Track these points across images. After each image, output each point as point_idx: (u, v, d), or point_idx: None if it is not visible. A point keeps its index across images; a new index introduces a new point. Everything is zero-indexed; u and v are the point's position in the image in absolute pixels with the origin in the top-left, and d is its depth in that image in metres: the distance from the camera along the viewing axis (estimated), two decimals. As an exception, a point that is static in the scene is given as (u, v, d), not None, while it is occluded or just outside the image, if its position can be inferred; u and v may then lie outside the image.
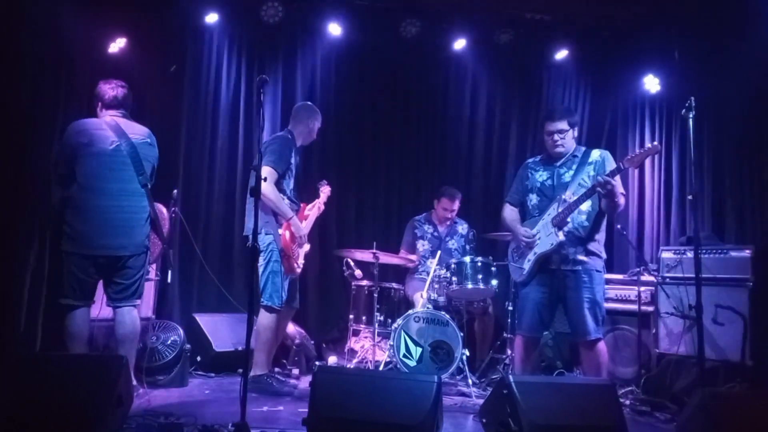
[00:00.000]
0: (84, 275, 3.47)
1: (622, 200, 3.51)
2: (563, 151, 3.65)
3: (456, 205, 5.19)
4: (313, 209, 4.38)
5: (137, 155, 3.57)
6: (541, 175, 3.70)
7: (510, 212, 3.84)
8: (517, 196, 3.83)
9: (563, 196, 3.53)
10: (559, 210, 3.52)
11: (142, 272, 3.63)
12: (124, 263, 3.54)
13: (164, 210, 4.15)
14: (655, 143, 3.38)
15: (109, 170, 3.52)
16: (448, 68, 5.88)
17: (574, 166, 3.62)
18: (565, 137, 3.63)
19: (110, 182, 3.51)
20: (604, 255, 3.63)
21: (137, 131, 3.67)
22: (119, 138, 3.55)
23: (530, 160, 3.88)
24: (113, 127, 3.59)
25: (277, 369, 4.35)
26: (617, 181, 3.45)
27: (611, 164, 3.56)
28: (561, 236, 3.49)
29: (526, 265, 3.63)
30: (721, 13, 4.81)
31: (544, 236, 3.56)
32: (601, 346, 3.53)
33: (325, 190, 4.52)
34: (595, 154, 3.65)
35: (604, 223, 3.64)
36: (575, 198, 3.49)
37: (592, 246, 3.56)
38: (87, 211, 3.48)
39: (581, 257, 3.52)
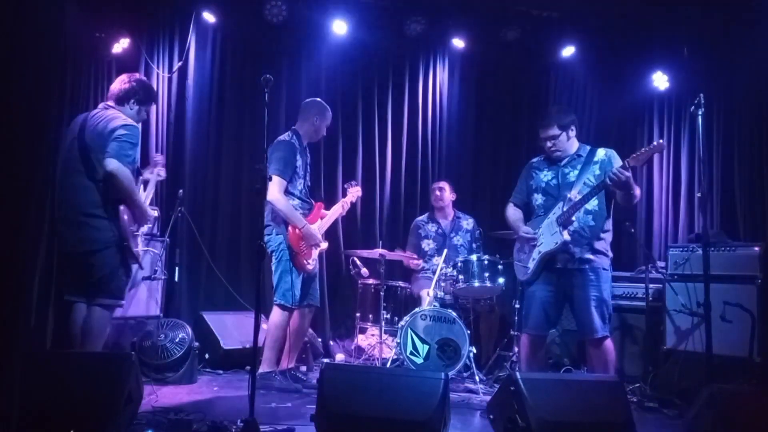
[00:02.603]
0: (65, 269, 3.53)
1: (637, 191, 3.51)
2: (561, 155, 3.65)
3: (440, 185, 5.24)
4: (337, 208, 4.36)
5: (85, 148, 3.42)
6: (546, 175, 3.69)
7: (513, 212, 3.83)
8: (521, 196, 3.82)
9: (569, 195, 3.51)
10: (564, 209, 3.50)
11: (110, 270, 3.38)
12: (84, 259, 3.37)
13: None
14: (661, 141, 3.38)
15: (63, 168, 3.48)
16: (453, 66, 5.87)
17: (579, 166, 3.60)
18: (558, 142, 3.62)
19: (63, 179, 3.47)
20: (610, 253, 3.61)
21: (98, 121, 3.46)
22: (76, 133, 3.49)
23: (534, 160, 3.86)
24: (78, 122, 3.54)
25: (303, 367, 4.38)
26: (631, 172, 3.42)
27: (618, 161, 3.55)
28: (566, 235, 3.46)
29: (531, 264, 3.62)
30: (730, 9, 4.78)
31: (549, 235, 3.54)
32: (608, 343, 3.52)
33: (353, 191, 4.50)
34: (601, 153, 3.63)
35: (611, 221, 3.63)
36: (581, 197, 3.47)
37: (599, 245, 3.54)
38: (55, 210, 3.48)
39: (587, 256, 3.50)
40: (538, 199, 3.70)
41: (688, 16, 5.08)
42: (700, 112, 3.34)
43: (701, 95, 3.35)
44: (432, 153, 5.91)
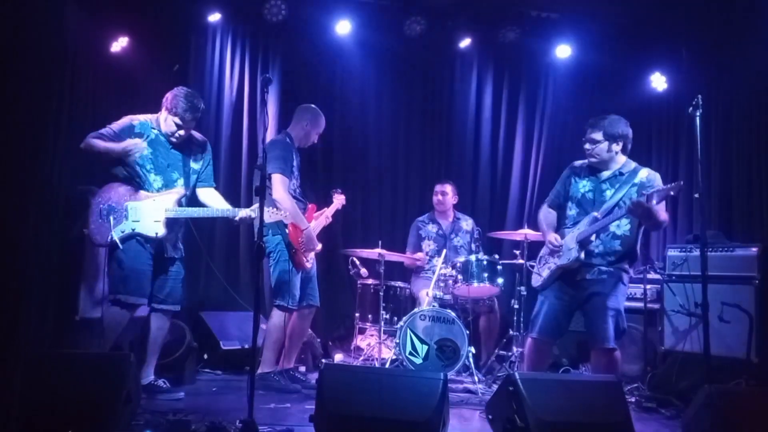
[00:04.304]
0: None
1: (662, 216, 3.37)
2: (596, 161, 3.52)
3: (444, 189, 5.23)
4: (321, 217, 4.34)
5: None
6: (585, 186, 3.57)
7: (547, 215, 3.71)
8: (558, 200, 3.69)
9: (595, 214, 3.43)
10: (586, 227, 3.43)
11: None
12: None
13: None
14: (680, 182, 3.28)
15: None
16: (453, 66, 5.88)
17: (617, 185, 3.48)
18: (596, 148, 3.49)
19: None
20: (631, 272, 3.56)
21: None
22: None
23: (577, 164, 3.69)
24: None
25: (302, 367, 4.39)
26: (654, 205, 3.26)
27: (657, 183, 3.41)
28: (582, 255, 3.39)
29: (545, 274, 3.57)
30: (728, 10, 4.79)
31: (566, 249, 3.47)
32: (618, 355, 3.45)
33: (339, 198, 4.49)
34: (642, 174, 3.47)
35: (638, 247, 3.53)
36: (602, 220, 3.39)
37: (621, 264, 3.47)
38: None
39: (609, 268, 3.43)
40: (572, 209, 3.58)
41: (687, 17, 5.09)
42: (697, 113, 3.33)
43: (699, 96, 3.34)
44: (431, 153, 5.92)
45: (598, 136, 3.49)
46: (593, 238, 3.42)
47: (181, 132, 3.63)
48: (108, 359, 3.02)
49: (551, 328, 3.52)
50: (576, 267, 3.44)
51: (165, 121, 3.62)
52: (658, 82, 5.45)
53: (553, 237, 3.54)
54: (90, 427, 2.52)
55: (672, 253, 4.42)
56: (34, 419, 2.50)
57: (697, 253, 4.04)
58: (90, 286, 4.00)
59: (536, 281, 3.68)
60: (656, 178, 3.48)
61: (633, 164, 3.55)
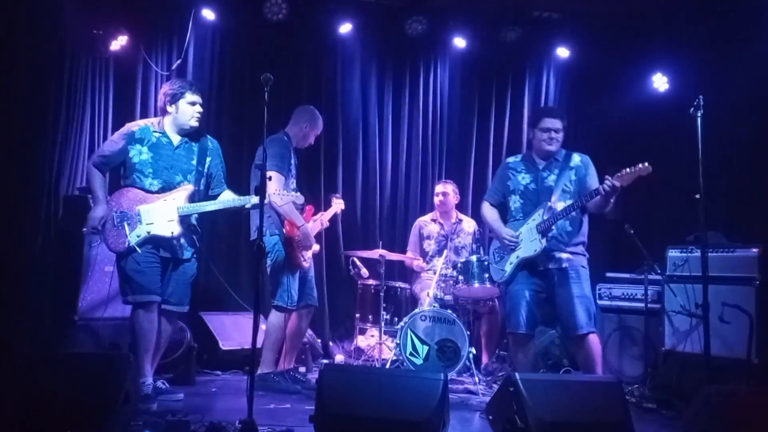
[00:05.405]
0: None
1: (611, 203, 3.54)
2: (553, 150, 3.66)
3: (444, 189, 5.22)
4: (316, 222, 4.32)
5: None
6: (524, 178, 3.71)
7: (491, 212, 3.85)
8: (497, 196, 3.85)
9: (549, 203, 3.54)
10: (545, 217, 3.54)
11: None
12: None
13: None
14: (647, 164, 3.31)
15: None
16: (454, 66, 5.87)
17: (557, 170, 3.64)
18: (559, 137, 3.65)
19: None
20: (587, 254, 3.68)
21: None
22: None
23: (510, 160, 3.86)
24: None
25: (302, 368, 4.39)
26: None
27: (592, 167, 3.64)
28: (544, 242, 3.51)
29: (508, 268, 3.67)
30: (731, 11, 4.79)
31: (528, 241, 3.58)
32: (594, 338, 3.55)
33: (337, 203, 4.47)
34: (576, 158, 3.68)
35: (586, 225, 3.67)
36: (563, 207, 3.52)
37: (576, 248, 3.61)
38: None
39: (565, 255, 3.57)
40: (516, 201, 3.72)
41: (688, 17, 5.08)
42: (699, 114, 3.34)
43: (701, 97, 3.35)
44: (432, 153, 5.91)
45: (560, 124, 3.65)
46: (553, 227, 3.53)
47: (198, 108, 3.60)
48: (107, 359, 3.01)
49: (527, 320, 3.61)
50: (541, 256, 3.54)
51: (176, 112, 3.57)
52: (660, 82, 5.44)
53: (507, 231, 3.66)
54: (88, 427, 2.51)
55: (673, 253, 4.42)
56: (32, 419, 2.50)
57: (697, 253, 4.04)
58: (89, 287, 3.99)
59: (499, 276, 3.77)
60: (588, 160, 3.68)
61: (563, 150, 3.73)
